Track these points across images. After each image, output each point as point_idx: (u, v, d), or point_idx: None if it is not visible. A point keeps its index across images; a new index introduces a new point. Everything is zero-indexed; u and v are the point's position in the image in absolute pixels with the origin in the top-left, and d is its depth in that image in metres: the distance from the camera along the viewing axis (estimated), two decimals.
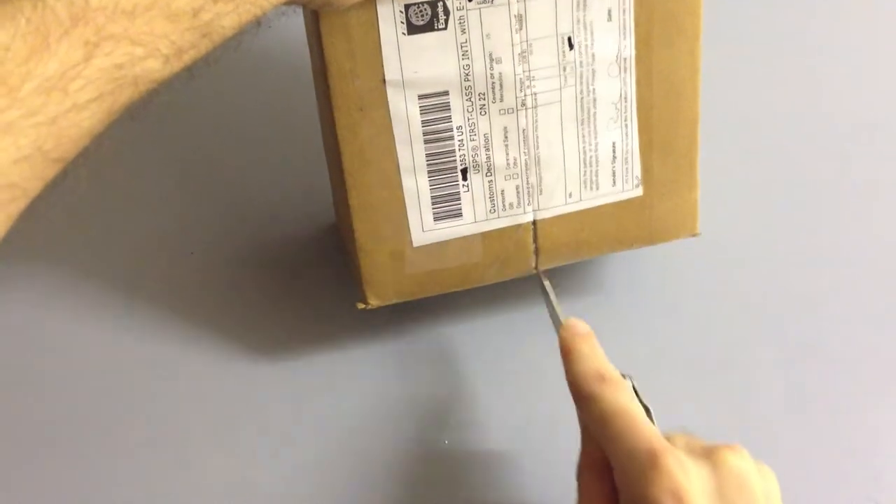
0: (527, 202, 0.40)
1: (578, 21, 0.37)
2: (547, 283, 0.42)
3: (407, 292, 0.41)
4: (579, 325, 0.37)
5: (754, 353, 0.46)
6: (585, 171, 0.40)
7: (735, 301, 0.48)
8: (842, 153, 0.55)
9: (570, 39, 0.37)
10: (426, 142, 0.38)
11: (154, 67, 0.26)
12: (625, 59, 0.39)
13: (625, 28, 0.38)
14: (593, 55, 0.38)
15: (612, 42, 0.38)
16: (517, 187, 0.39)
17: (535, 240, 0.41)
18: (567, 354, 0.36)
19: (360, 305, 0.41)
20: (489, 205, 0.39)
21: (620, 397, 0.33)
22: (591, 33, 0.38)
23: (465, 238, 0.40)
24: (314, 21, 0.36)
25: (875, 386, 0.45)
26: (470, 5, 0.36)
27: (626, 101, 0.39)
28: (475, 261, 0.41)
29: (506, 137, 0.38)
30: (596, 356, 0.36)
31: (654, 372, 0.43)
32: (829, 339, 0.47)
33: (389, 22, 0.35)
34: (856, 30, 0.61)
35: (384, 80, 0.36)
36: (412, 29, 0.35)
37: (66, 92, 0.24)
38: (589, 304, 0.48)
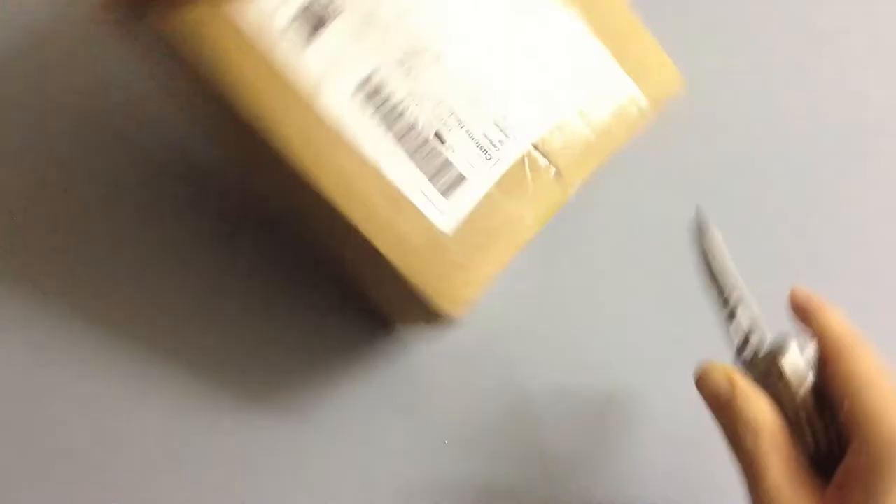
0: (515, 131, 0.38)
1: None
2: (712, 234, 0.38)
3: (477, 283, 0.37)
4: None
5: None
6: (548, 76, 0.39)
7: None
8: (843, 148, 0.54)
9: None
10: (386, 129, 0.36)
11: None
12: None
13: None
14: None
15: None
16: (496, 123, 0.38)
17: (549, 160, 0.38)
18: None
19: (446, 322, 0.37)
20: (482, 153, 0.37)
21: None
22: None
23: (486, 197, 0.37)
24: (193, 74, 0.35)
25: None
26: None
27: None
28: (510, 214, 0.38)
29: (456, 85, 0.37)
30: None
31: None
32: None
33: (286, 41, 0.35)
34: None
35: (314, 96, 0.36)
36: (310, 34, 0.36)
37: None
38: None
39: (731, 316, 0.36)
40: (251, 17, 0.35)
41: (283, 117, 0.35)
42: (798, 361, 0.34)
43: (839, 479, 0.32)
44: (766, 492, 0.32)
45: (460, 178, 0.37)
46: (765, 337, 0.36)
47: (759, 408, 0.34)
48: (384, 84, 0.37)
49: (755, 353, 0.36)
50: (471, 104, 0.38)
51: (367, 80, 0.36)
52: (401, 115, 0.37)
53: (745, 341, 0.36)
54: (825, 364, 0.34)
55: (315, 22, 0.36)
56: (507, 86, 0.38)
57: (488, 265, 0.37)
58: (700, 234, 0.38)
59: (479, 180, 0.37)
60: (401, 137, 0.37)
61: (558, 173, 0.39)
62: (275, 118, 0.35)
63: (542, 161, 0.38)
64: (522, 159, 0.38)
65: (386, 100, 0.36)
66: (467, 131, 0.37)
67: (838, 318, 0.35)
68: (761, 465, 0.33)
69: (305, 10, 0.36)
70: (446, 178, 0.37)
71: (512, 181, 0.38)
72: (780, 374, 0.34)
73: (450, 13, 0.38)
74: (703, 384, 0.35)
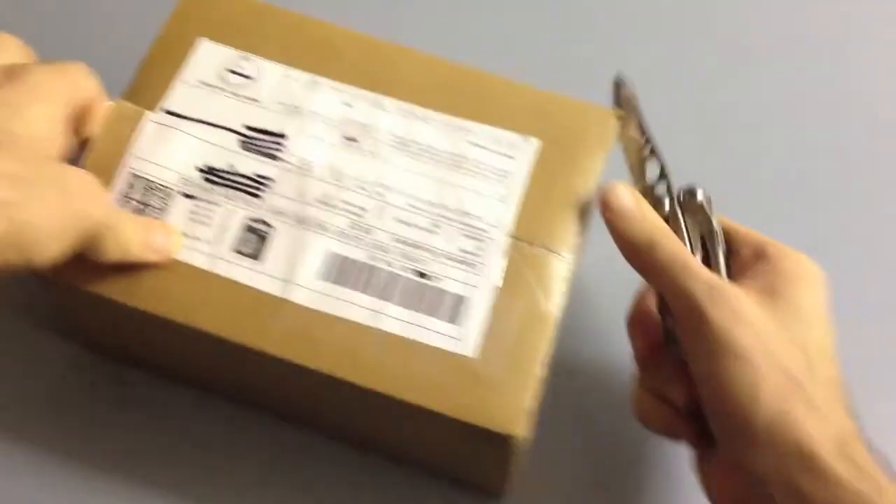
0: (486, 233, 0.37)
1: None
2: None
3: (525, 389, 0.35)
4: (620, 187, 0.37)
5: None
6: (479, 172, 0.39)
7: None
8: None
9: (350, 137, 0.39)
10: (369, 292, 0.36)
11: None
12: None
13: None
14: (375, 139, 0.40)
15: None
16: (465, 235, 0.37)
17: (534, 240, 0.37)
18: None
19: (518, 446, 0.34)
20: (467, 268, 0.36)
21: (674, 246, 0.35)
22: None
23: (493, 306, 0.36)
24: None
25: (875, 384, 0.41)
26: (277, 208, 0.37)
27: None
28: (524, 309, 0.36)
29: (409, 221, 0.37)
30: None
31: None
32: None
33: (241, 264, 0.36)
34: None
35: (287, 296, 0.36)
36: (258, 248, 0.37)
37: None
38: None
39: (650, 154, 0.39)
40: (197, 257, 0.37)
41: (269, 326, 0.35)
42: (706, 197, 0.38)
43: (749, 279, 0.35)
44: (704, 279, 0.34)
45: (459, 300, 0.36)
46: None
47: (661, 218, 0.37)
48: (345, 256, 0.37)
49: (669, 189, 0.38)
50: (432, 231, 0.37)
51: (330, 262, 0.36)
52: (375, 273, 0.36)
53: (663, 177, 0.38)
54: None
55: (258, 236, 0.37)
56: (454, 198, 0.38)
57: (528, 367, 0.35)
58: (621, 88, 0.40)
59: (479, 293, 0.36)
60: (385, 292, 0.36)
61: (548, 248, 0.37)
62: (261, 331, 0.35)
63: (527, 244, 0.37)
64: (507, 253, 0.37)
65: (354, 267, 0.36)
66: (443, 255, 0.37)
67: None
68: (688, 261, 0.35)
69: (245, 233, 0.37)
70: (446, 307, 0.36)
71: (510, 278, 0.37)
72: (695, 201, 0.37)
73: (363, 169, 0.38)
74: (613, 200, 0.36)
